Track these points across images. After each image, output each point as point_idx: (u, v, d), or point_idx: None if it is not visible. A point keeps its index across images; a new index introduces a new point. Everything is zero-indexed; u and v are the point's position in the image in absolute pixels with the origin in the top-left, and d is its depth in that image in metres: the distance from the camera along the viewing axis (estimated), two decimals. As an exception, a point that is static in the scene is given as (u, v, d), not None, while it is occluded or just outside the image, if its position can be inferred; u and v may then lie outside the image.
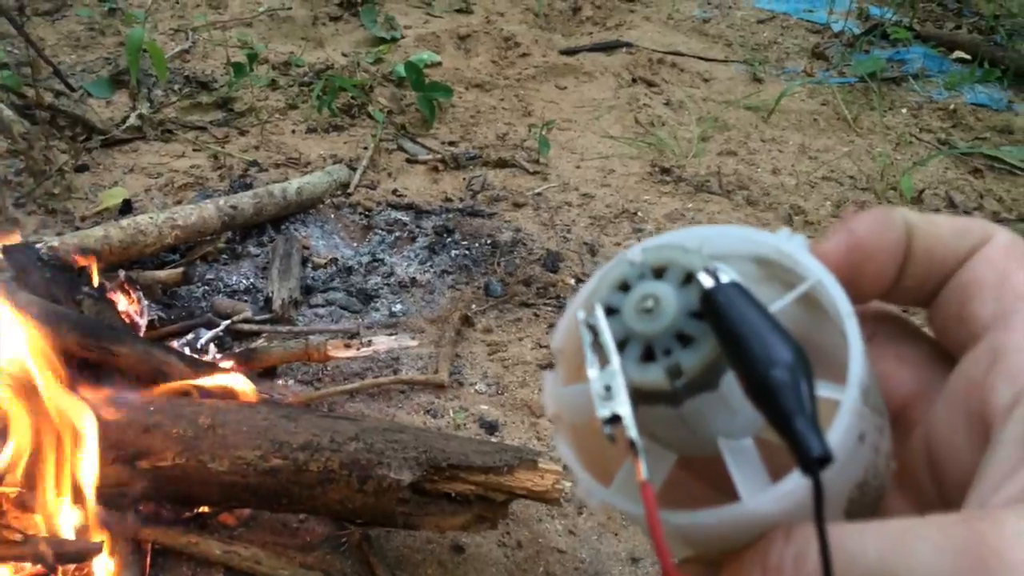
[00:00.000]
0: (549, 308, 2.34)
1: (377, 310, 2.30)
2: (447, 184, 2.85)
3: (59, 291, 1.74)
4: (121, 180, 2.69)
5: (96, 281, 1.88)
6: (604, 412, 0.32)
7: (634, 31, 4.03)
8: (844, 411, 0.31)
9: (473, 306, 2.32)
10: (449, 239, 2.56)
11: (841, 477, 0.31)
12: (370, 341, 1.98)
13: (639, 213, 2.73)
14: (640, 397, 0.33)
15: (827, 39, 4.05)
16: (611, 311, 0.34)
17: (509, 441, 1.96)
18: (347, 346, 1.97)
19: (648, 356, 0.33)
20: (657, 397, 0.33)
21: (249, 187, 2.69)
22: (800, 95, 3.50)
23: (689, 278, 0.33)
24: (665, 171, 2.95)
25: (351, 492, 1.55)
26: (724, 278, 0.32)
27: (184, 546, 1.60)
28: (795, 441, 0.29)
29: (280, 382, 1.96)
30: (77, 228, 2.44)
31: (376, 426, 1.63)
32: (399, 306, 2.31)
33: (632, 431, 0.31)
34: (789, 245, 0.35)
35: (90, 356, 1.65)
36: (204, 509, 1.68)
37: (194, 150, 2.88)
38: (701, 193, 2.85)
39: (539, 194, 2.80)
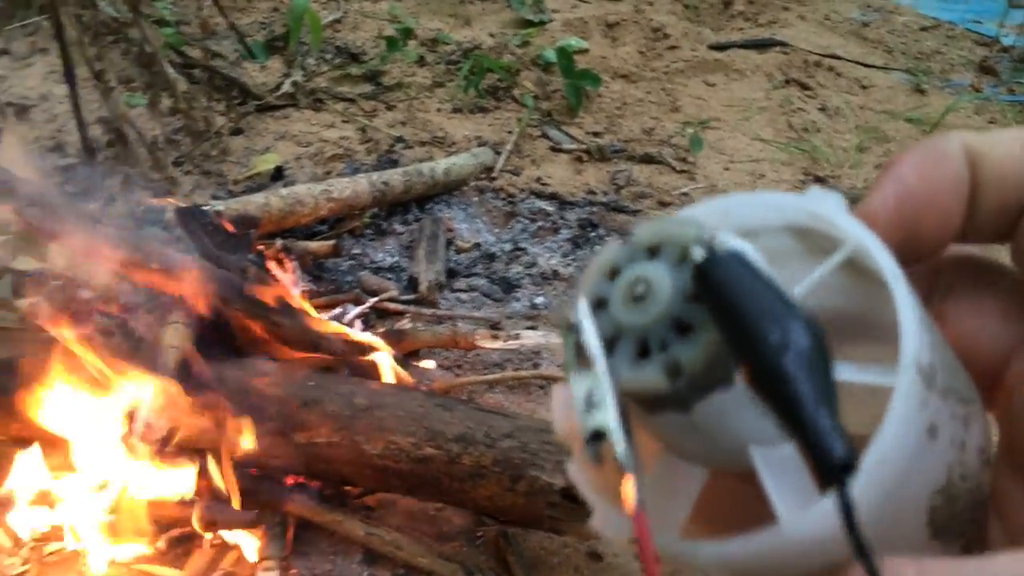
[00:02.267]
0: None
1: (518, 300, 2.26)
2: (591, 176, 2.79)
3: (226, 256, 1.76)
4: (272, 146, 2.73)
5: (256, 249, 1.90)
6: (585, 427, 0.26)
7: (788, 30, 3.87)
8: (898, 398, 0.25)
9: (616, 306, 2.26)
10: (593, 233, 2.50)
11: (911, 483, 0.25)
12: (518, 335, 1.95)
13: (791, 223, 2.62)
14: (642, 404, 0.27)
15: (995, 53, 3.81)
16: (601, 303, 0.28)
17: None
18: (494, 337, 1.94)
19: (643, 353, 0.27)
20: (661, 402, 0.27)
21: (395, 163, 2.69)
22: (966, 111, 3.30)
23: (687, 255, 0.27)
24: (819, 180, 2.82)
25: (501, 490, 1.52)
26: (721, 249, 0.26)
27: (328, 523, 1.60)
28: (809, 443, 0.23)
29: (425, 364, 1.94)
30: (230, 191, 2.49)
31: (531, 425, 1.59)
32: (540, 298, 2.27)
33: (619, 445, 0.26)
34: (822, 206, 0.30)
35: (255, 325, 1.67)
36: (348, 489, 1.68)
37: (343, 121, 2.90)
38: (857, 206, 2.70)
39: (685, 194, 2.72)
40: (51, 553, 1.54)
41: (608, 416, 0.26)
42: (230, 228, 1.79)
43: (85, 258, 1.74)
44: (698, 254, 0.26)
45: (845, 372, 0.27)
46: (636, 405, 0.28)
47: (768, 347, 0.24)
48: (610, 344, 0.28)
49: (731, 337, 0.25)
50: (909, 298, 0.26)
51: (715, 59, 3.56)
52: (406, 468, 1.54)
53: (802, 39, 3.77)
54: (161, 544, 1.57)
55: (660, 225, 0.29)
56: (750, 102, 3.30)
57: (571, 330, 0.28)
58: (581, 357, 0.28)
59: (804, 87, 3.41)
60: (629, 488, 0.26)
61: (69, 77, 2.22)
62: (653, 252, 0.28)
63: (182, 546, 1.58)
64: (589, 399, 0.27)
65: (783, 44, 3.68)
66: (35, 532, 1.50)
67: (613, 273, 0.29)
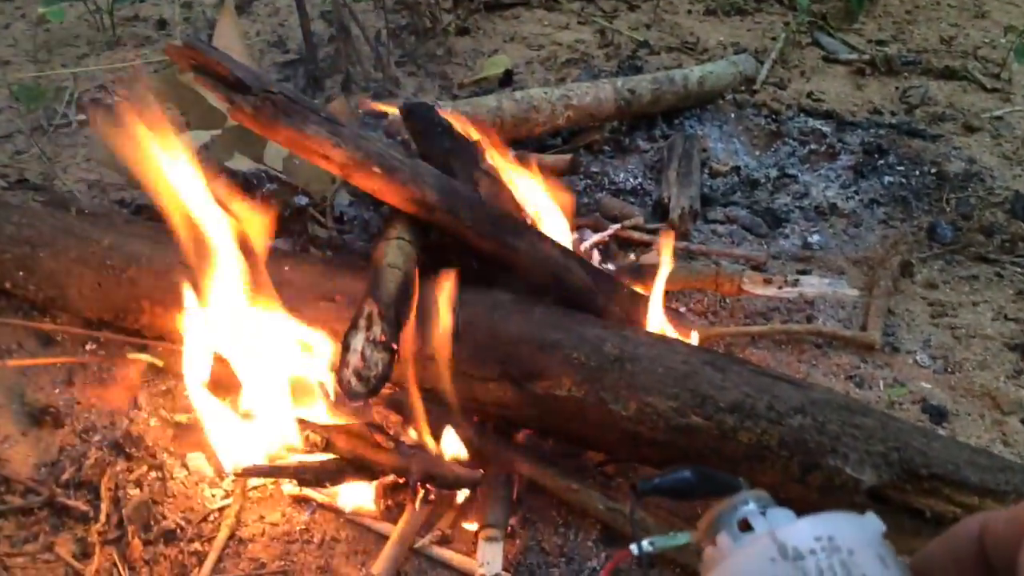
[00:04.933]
0: (1018, 269, 1.78)
1: (787, 237, 1.87)
2: (874, 92, 2.31)
3: (456, 164, 1.49)
4: (501, 48, 2.44)
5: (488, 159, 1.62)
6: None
7: None
8: None
9: (913, 251, 1.82)
10: (881, 161, 2.04)
11: None
12: (797, 280, 1.57)
13: None
14: None
15: None
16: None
17: (962, 438, 1.48)
18: (766, 282, 1.57)
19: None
20: None
21: (639, 70, 2.33)
22: None
23: None
24: None
25: (787, 480, 1.19)
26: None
27: (561, 491, 1.32)
28: None
29: (677, 307, 1.61)
30: (454, 96, 2.23)
31: (828, 399, 1.23)
32: (815, 236, 1.86)
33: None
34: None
35: (483, 246, 1.40)
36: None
37: (579, 23, 2.56)
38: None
39: (999, 118, 2.18)
40: (255, 488, 1.36)
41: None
42: (461, 131, 1.52)
43: (302, 158, 1.54)
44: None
45: None
46: None
47: None
48: None
49: None
50: None
51: (1030, -45, 2.90)
52: (664, 438, 1.23)
53: None
54: (372, 492, 1.35)
55: None
56: (1079, 8, 2.64)
57: None
58: None
59: None
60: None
61: (294, -37, 2.01)
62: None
63: (395, 496, 1.36)
64: None
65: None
66: (238, 466, 1.32)
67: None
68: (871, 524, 0.42)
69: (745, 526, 0.46)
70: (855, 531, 0.41)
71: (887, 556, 0.41)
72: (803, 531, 0.41)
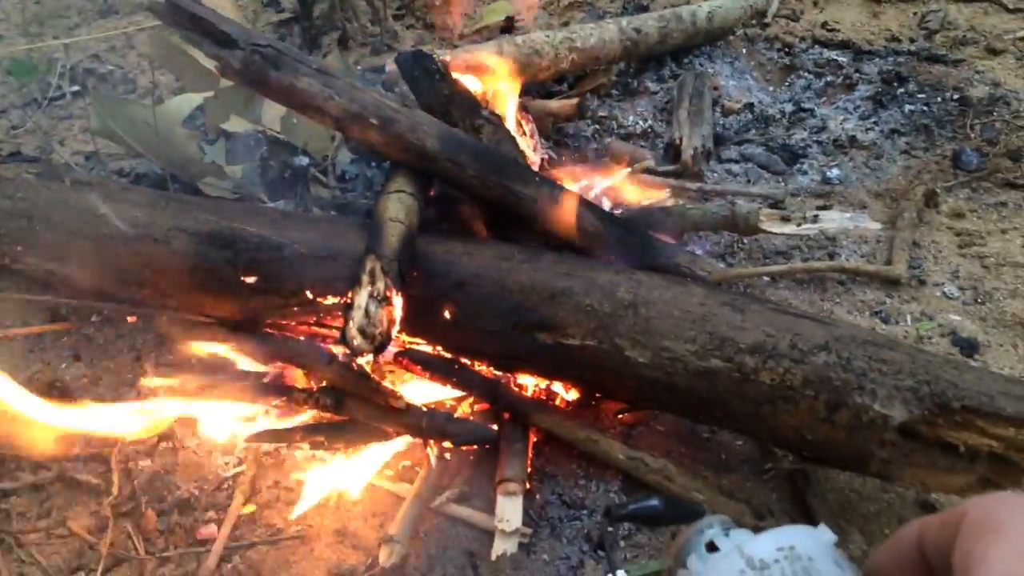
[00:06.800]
0: (1048, 194, 1.71)
1: (805, 173, 1.80)
2: (891, 19, 2.22)
3: (456, 112, 1.43)
4: (502, -5, 2.36)
5: (492, 106, 1.56)
6: None
7: None
8: None
9: (937, 181, 1.75)
10: (900, 89, 1.96)
11: None
12: (816, 216, 1.50)
13: None
14: None
15: None
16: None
17: (994, 369, 1.43)
18: (784, 219, 1.51)
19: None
20: None
21: (645, 9, 2.24)
22: None
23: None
24: None
25: (813, 420, 1.14)
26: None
27: (580, 442, 1.29)
28: None
29: (691, 249, 1.55)
30: (455, 47, 2.16)
31: (853, 335, 1.18)
32: (835, 171, 1.79)
33: None
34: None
35: (488, 195, 1.34)
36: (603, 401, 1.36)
37: (582, -37, 2.48)
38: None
39: (1023, 39, 2.09)
40: (267, 454, 1.34)
41: None
42: (459, 80, 1.46)
43: (300, 117, 1.49)
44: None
45: None
46: None
47: None
48: None
49: None
50: None
51: None
52: (683, 383, 1.18)
53: None
54: (386, 455, 1.32)
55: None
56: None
57: None
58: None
59: None
60: None
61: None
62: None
63: (411, 456, 1.33)
64: None
65: None
66: (251, 431, 1.30)
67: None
68: (825, 534, 0.47)
69: (712, 547, 0.51)
70: (812, 540, 0.46)
71: (842, 561, 0.46)
72: (766, 544, 0.46)
